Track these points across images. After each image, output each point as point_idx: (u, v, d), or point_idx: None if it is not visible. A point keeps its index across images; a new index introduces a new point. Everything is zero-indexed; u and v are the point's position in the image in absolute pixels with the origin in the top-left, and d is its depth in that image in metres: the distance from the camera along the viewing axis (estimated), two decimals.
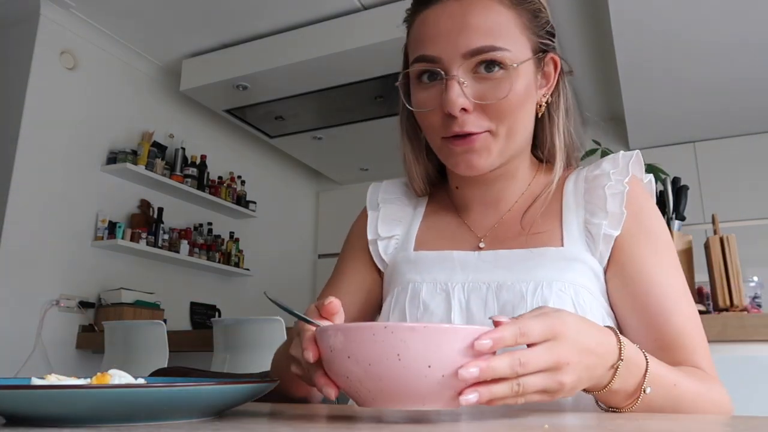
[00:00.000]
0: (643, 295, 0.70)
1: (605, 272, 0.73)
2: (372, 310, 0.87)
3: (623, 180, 0.75)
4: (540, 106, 0.76)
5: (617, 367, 0.54)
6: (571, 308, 0.68)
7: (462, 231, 0.81)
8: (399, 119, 0.84)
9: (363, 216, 0.90)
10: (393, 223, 0.86)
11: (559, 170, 0.77)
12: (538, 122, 0.79)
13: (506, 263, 0.74)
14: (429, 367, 0.43)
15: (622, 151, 0.79)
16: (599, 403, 0.58)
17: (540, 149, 0.83)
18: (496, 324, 0.48)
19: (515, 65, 0.69)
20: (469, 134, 0.70)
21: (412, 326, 0.44)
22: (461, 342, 0.44)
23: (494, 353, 0.47)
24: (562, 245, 0.73)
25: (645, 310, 0.69)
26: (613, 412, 0.57)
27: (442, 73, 0.70)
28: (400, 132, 0.84)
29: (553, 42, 0.77)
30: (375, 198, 0.90)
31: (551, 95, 0.78)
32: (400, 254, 0.82)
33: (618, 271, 0.72)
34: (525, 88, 0.71)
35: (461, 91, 0.68)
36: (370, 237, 0.85)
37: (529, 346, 0.48)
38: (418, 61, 0.72)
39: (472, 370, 0.44)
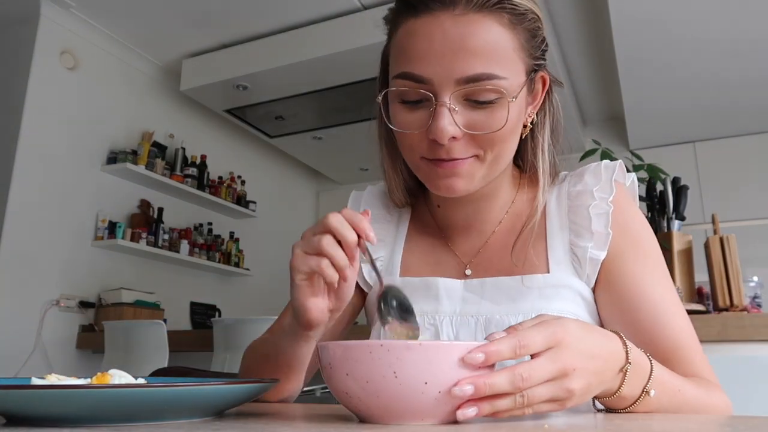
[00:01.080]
0: (635, 309, 0.69)
1: (594, 290, 0.73)
2: (345, 323, 0.86)
3: (608, 198, 0.73)
4: (525, 126, 0.73)
5: (626, 371, 0.53)
6: None
7: (447, 257, 0.79)
8: (377, 130, 0.80)
9: None
10: (376, 243, 0.84)
11: (544, 196, 0.74)
12: (521, 140, 0.75)
13: (492, 294, 0.72)
14: (426, 383, 0.44)
15: (604, 161, 0.77)
16: (595, 404, 0.58)
17: (521, 161, 0.80)
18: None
19: (513, 99, 0.64)
20: (454, 159, 0.66)
21: (408, 344, 0.44)
22: (457, 358, 0.44)
23: (493, 367, 0.46)
24: (548, 271, 0.72)
25: (637, 324, 0.69)
26: (611, 412, 0.57)
27: (432, 96, 0.64)
28: (378, 143, 0.80)
29: (545, 60, 0.72)
30: None
31: (537, 114, 0.74)
32: (386, 279, 0.81)
33: (607, 287, 0.72)
34: (517, 116, 0.67)
35: (452, 119, 0.63)
36: None
37: (532, 356, 0.47)
38: (404, 78, 0.65)
39: (466, 388, 0.44)
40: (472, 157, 0.67)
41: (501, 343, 0.46)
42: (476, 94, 0.64)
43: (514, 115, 0.66)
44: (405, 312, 0.62)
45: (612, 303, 0.71)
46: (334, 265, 0.59)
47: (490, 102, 0.64)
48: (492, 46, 0.63)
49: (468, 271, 0.77)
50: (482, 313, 0.72)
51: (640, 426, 0.45)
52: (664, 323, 0.68)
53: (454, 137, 0.64)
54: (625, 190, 0.77)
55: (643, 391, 0.55)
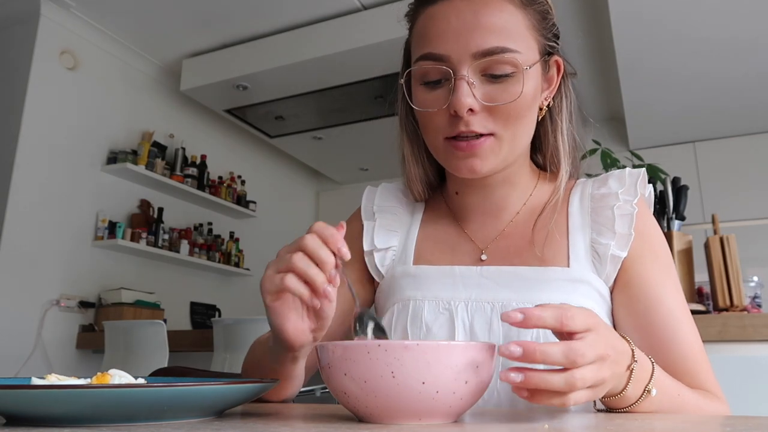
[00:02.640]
0: (647, 313, 0.70)
1: (611, 291, 0.73)
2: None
3: (632, 201, 0.74)
4: (541, 109, 0.75)
5: (632, 369, 0.53)
6: None
7: (462, 242, 0.79)
8: (398, 118, 0.82)
9: (356, 218, 0.87)
10: (389, 233, 0.83)
11: (566, 175, 0.76)
12: (539, 126, 0.77)
13: (510, 282, 0.72)
14: (423, 383, 0.44)
15: (628, 169, 0.78)
16: (596, 404, 0.58)
17: (541, 155, 0.81)
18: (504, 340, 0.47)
19: (527, 68, 0.68)
20: (475, 136, 0.68)
21: (406, 344, 0.44)
22: (454, 358, 0.44)
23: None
24: (568, 265, 0.72)
25: (649, 328, 0.69)
26: (611, 411, 0.57)
27: (451, 72, 0.68)
28: (400, 131, 0.82)
29: (558, 44, 0.75)
30: (370, 205, 0.87)
31: (553, 98, 0.76)
32: (399, 267, 0.80)
33: (622, 289, 0.72)
34: (533, 91, 0.70)
35: (470, 92, 0.67)
36: (366, 248, 0.83)
37: (569, 336, 0.46)
38: (425, 58, 0.69)
39: (513, 348, 0.43)
40: (490, 135, 0.69)
41: (545, 309, 0.44)
42: (492, 68, 0.67)
43: (529, 88, 0.69)
44: (380, 331, 0.61)
45: (627, 305, 0.71)
46: (308, 283, 0.55)
47: (506, 75, 0.68)
48: (504, 23, 0.68)
49: (484, 257, 0.76)
50: (498, 299, 0.71)
51: (641, 426, 0.45)
52: (674, 330, 0.68)
53: (471, 109, 0.67)
54: (645, 201, 0.77)
55: (644, 389, 0.55)
